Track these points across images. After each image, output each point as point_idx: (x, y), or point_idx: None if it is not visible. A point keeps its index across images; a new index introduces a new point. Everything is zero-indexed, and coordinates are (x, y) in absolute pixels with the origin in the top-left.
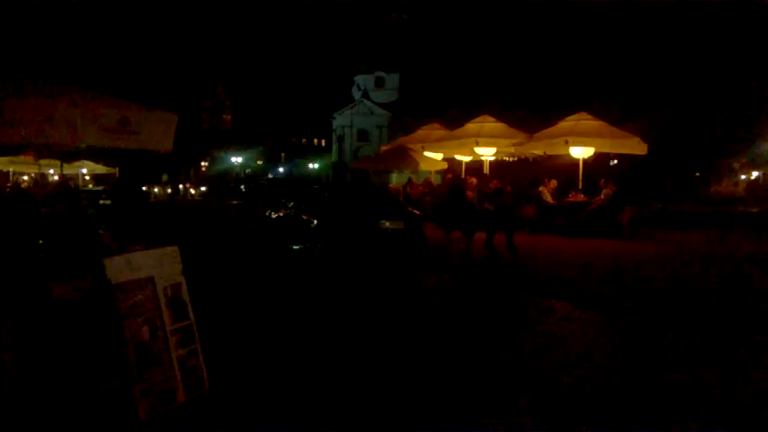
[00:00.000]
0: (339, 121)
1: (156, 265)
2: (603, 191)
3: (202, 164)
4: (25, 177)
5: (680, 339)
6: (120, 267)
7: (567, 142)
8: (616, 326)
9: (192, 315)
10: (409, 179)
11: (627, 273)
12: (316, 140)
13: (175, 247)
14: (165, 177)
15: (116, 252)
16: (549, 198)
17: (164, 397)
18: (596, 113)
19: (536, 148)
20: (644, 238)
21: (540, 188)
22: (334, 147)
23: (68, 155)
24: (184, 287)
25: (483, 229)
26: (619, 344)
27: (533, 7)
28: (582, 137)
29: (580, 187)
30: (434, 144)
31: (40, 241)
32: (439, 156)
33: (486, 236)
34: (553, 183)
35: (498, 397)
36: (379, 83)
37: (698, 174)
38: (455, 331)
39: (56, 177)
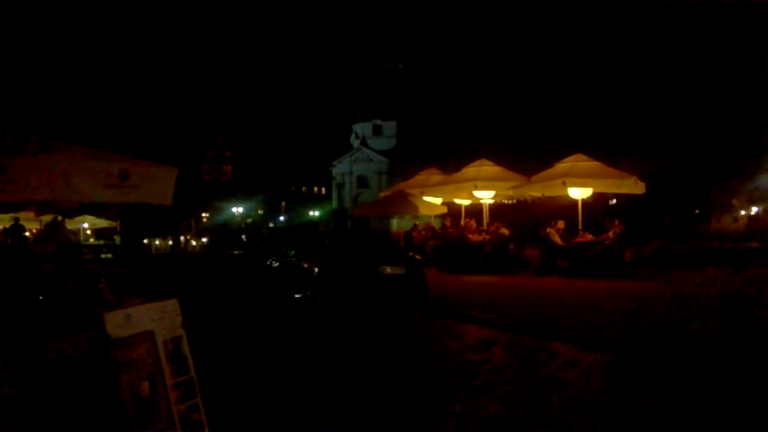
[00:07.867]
0: (339, 168)
1: (156, 319)
2: (612, 230)
3: (203, 215)
4: (27, 234)
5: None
6: (120, 322)
7: (564, 183)
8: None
9: (192, 369)
10: (414, 225)
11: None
12: (316, 188)
13: (175, 300)
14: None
15: (116, 306)
16: (557, 239)
17: None
18: (593, 154)
19: (534, 191)
20: (650, 278)
21: (548, 230)
22: (334, 194)
23: (70, 210)
24: (185, 340)
25: None
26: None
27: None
28: (579, 178)
29: (580, 228)
30: (433, 189)
31: (40, 297)
32: (438, 200)
33: None
34: (560, 224)
35: None
36: (377, 130)
37: (697, 211)
38: (458, 380)
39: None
